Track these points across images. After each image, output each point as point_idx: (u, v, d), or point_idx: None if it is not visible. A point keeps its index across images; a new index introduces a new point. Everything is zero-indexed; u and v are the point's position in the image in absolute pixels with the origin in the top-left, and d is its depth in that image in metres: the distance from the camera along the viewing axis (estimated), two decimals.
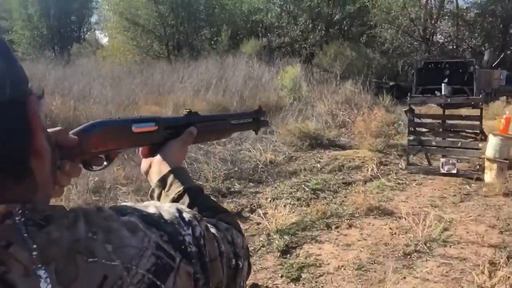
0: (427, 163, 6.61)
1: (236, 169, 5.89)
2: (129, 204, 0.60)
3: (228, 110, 9.33)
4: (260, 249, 3.76)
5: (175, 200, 0.79)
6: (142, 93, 10.25)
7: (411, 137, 6.44)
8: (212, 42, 21.90)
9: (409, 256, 3.66)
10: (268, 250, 3.73)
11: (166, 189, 0.81)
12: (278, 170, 6.12)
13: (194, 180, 0.86)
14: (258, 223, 4.23)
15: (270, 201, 4.81)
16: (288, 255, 3.66)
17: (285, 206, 4.38)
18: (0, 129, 0.45)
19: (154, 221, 0.57)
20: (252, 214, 4.50)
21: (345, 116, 9.37)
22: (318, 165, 6.43)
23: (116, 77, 12.23)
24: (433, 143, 6.39)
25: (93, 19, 36.37)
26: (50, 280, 0.43)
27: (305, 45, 22.70)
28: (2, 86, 0.46)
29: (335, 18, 24.90)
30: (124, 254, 0.49)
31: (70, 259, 0.45)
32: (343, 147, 7.60)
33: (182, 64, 14.48)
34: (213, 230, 0.67)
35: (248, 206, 4.73)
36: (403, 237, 4.01)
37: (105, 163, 0.80)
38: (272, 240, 3.90)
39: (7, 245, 0.42)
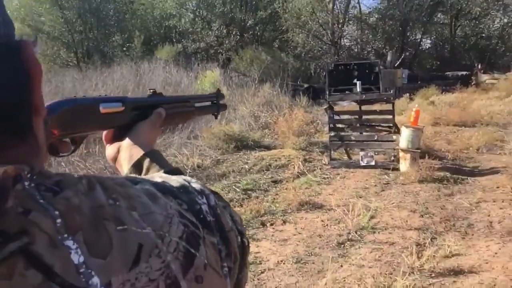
0: (347, 157, 6.95)
1: None
2: (132, 175, 0.53)
3: None
4: None
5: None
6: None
7: (332, 134, 6.73)
8: (125, 49, 21.14)
9: (343, 245, 3.80)
10: None
11: (143, 174, 0.73)
12: (207, 173, 6.06)
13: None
14: None
15: None
16: None
17: None
18: (1, 74, 0.38)
19: (168, 189, 0.51)
20: None
21: (267, 117, 9.54)
22: (246, 166, 6.47)
23: None
24: (352, 138, 6.74)
25: None
26: (81, 252, 0.36)
27: (221, 50, 22.79)
28: None
29: (248, 24, 25.36)
30: (152, 221, 0.43)
31: (98, 227, 0.39)
32: (268, 147, 7.73)
33: (94, 71, 13.79)
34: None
35: None
36: (335, 228, 4.16)
37: (72, 147, 0.72)
38: None
39: (26, 212, 0.35)
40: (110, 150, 0.80)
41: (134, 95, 10.53)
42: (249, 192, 5.28)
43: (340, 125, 7.03)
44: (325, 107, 6.96)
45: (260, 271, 3.35)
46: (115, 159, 0.79)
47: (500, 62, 22.79)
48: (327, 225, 4.26)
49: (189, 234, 0.47)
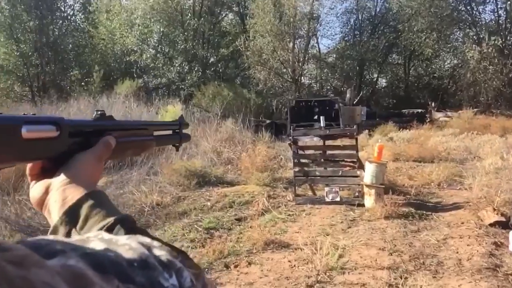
0: (312, 193, 6.83)
1: None
2: (50, 237, 0.32)
3: None
4: None
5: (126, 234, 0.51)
6: None
7: (297, 169, 6.62)
8: (83, 83, 20.66)
9: None
10: None
11: (79, 226, 0.53)
12: (167, 211, 5.74)
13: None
14: None
15: None
16: None
17: None
18: None
19: (110, 265, 0.31)
20: None
21: (230, 152, 9.37)
22: (209, 203, 6.20)
23: None
24: (317, 173, 6.64)
25: None
26: None
27: (182, 86, 22.71)
28: None
29: (210, 61, 25.55)
30: None
31: None
32: (231, 183, 7.50)
33: (50, 105, 13.28)
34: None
35: None
36: (303, 269, 3.94)
37: None
38: None
39: None
40: (36, 189, 0.59)
41: None
42: (212, 231, 5.00)
43: (304, 160, 6.94)
44: (289, 142, 6.87)
45: None
46: (41, 202, 0.58)
47: (452, 101, 23.91)
48: (294, 265, 4.04)
49: None
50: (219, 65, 26.78)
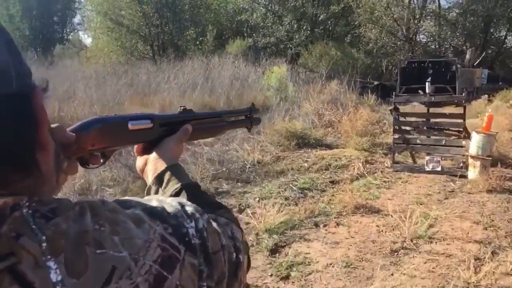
0: (412, 161, 6.71)
1: (224, 169, 5.90)
2: (132, 198, 0.61)
3: (215, 109, 9.33)
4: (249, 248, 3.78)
5: (174, 196, 0.79)
6: (127, 94, 10.18)
7: (396, 136, 6.53)
8: (198, 43, 21.83)
9: (396, 253, 3.71)
10: (257, 250, 3.75)
11: (163, 186, 0.81)
12: (266, 170, 6.14)
13: (191, 177, 0.87)
14: (247, 223, 4.24)
15: (259, 200, 4.82)
16: (277, 254, 3.69)
17: (273, 205, 4.40)
18: (8, 121, 0.46)
19: (158, 213, 0.58)
20: (240, 214, 4.51)
21: (331, 115, 9.43)
22: (306, 165, 6.47)
23: (101, 78, 12.11)
24: (418, 141, 6.48)
25: (76, 19, 36.00)
26: (60, 271, 0.44)
27: (290, 45, 22.79)
28: (8, 78, 0.46)
29: (320, 18, 25.08)
30: (131, 245, 0.50)
31: (79, 250, 0.46)
32: (329, 147, 7.66)
33: (168, 64, 14.40)
34: (214, 224, 0.68)
35: (237, 206, 4.74)
36: (390, 234, 4.06)
37: (101, 160, 0.80)
38: (261, 239, 3.92)
39: (17, 236, 0.43)
40: (139, 162, 0.89)
41: (202, 89, 10.91)
42: (306, 191, 5.29)
43: (406, 127, 6.79)
44: (390, 108, 6.75)
45: (308, 272, 3.38)
46: (143, 170, 0.88)
47: None
48: (382, 231, 4.17)
49: (166, 257, 0.53)
50: (329, 22, 26.16)
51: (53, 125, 0.63)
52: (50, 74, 12.57)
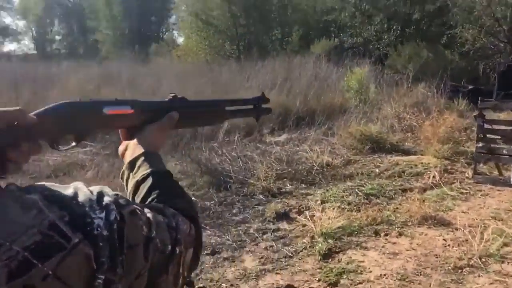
0: (498, 173, 6.15)
1: (290, 169, 5.88)
2: (48, 183, 0.62)
3: (291, 110, 9.33)
4: (301, 251, 3.74)
5: (140, 182, 0.81)
6: (208, 91, 10.54)
7: (480, 144, 6.03)
8: (283, 43, 21.95)
9: (460, 270, 3.44)
10: (310, 253, 3.69)
11: (134, 171, 0.83)
12: (334, 173, 6.01)
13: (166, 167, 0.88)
14: (304, 225, 4.20)
15: (319, 203, 4.74)
16: (330, 259, 3.60)
17: (333, 209, 4.30)
18: None
19: (58, 200, 0.59)
20: (299, 215, 4.47)
21: (412, 120, 8.96)
22: (377, 170, 6.22)
23: (186, 75, 12.68)
24: (505, 151, 5.92)
25: (172, 19, 38.03)
26: None
27: (378, 46, 22.00)
28: None
29: (413, 18, 23.86)
30: (2, 230, 0.52)
31: None
32: (406, 153, 7.28)
33: (250, 63, 14.65)
34: (149, 215, 0.67)
35: (297, 207, 4.70)
36: (456, 250, 3.77)
37: (73, 143, 0.83)
38: (315, 243, 3.85)
39: None
40: (121, 146, 0.93)
41: (280, 88, 10.94)
42: (371, 197, 5.08)
43: (492, 136, 6.23)
44: (474, 114, 6.24)
45: (358, 281, 3.25)
46: (123, 155, 0.91)
47: None
48: (448, 245, 3.88)
49: (44, 245, 0.53)
50: (423, 22, 24.78)
51: (10, 108, 0.68)
52: (141, 71, 13.45)
